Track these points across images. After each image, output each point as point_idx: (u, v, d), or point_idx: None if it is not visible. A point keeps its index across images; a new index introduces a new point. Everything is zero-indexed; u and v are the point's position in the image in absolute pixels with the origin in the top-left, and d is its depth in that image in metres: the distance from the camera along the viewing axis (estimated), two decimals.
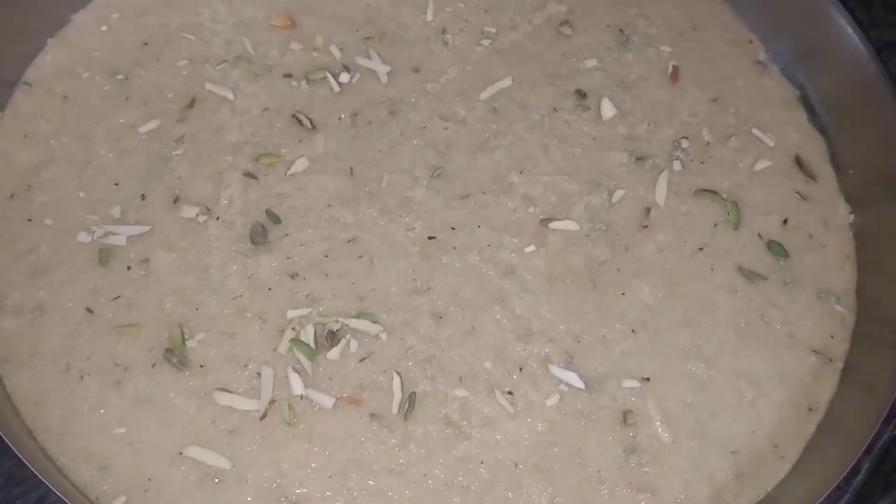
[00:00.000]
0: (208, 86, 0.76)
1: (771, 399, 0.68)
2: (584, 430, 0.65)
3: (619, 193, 0.74)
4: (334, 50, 0.78)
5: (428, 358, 0.66)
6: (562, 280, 0.70)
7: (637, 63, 0.81)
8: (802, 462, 0.66)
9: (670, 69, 0.81)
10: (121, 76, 0.76)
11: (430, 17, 0.81)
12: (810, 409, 0.68)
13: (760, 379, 0.68)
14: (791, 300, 0.71)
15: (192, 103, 0.75)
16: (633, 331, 0.68)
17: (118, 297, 0.67)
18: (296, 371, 0.64)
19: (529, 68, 0.79)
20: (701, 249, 0.72)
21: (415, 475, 0.62)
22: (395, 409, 0.64)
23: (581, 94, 0.78)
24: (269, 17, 0.80)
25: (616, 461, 0.64)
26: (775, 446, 0.66)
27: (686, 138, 0.77)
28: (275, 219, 0.70)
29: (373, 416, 0.64)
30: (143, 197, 0.71)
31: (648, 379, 0.67)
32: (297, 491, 0.61)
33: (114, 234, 0.69)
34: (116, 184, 0.71)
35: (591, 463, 0.64)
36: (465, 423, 0.64)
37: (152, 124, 0.74)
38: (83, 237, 0.68)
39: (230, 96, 0.76)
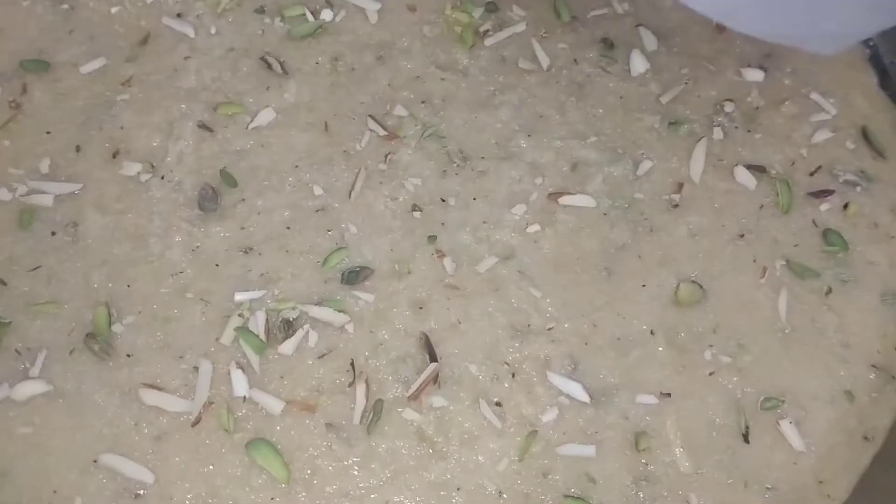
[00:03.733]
0: (165, 20, 0.65)
1: (818, 423, 0.56)
2: (586, 454, 0.53)
3: (646, 165, 0.61)
4: None
5: (402, 356, 0.55)
6: (570, 267, 0.58)
7: (676, 9, 0.68)
8: (853, 502, 0.54)
9: None
10: (66, 6, 0.66)
11: None
12: (865, 438, 0.56)
13: (806, 398, 0.56)
14: (848, 302, 0.59)
15: (145, 40, 0.64)
16: (652, 332, 0.57)
17: (38, 267, 0.56)
18: (240, 367, 0.53)
19: (547, 10, 0.67)
20: (742, 236, 0.60)
21: (376, 501, 0.51)
22: (356, 419, 0.53)
23: (607, 44, 0.66)
24: None
25: (624, 493, 0.53)
26: (820, 482, 0.54)
27: (731, 101, 0.64)
28: (230, 181, 0.59)
29: (329, 426, 0.53)
30: (77, 149, 0.60)
31: (669, 394, 0.55)
32: None
33: (40, 192, 0.58)
34: (48, 132, 0.61)
35: (594, 495, 0.52)
36: (440, 439, 0.53)
37: (97, 63, 0.63)
38: (3, 195, 0.59)
39: (190, 33, 0.64)
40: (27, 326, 0.55)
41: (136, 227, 0.58)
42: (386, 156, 0.61)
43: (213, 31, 0.65)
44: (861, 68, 0.68)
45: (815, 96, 0.66)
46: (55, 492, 0.51)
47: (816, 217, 0.61)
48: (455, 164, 0.61)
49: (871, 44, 0.69)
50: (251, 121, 0.61)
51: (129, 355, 0.54)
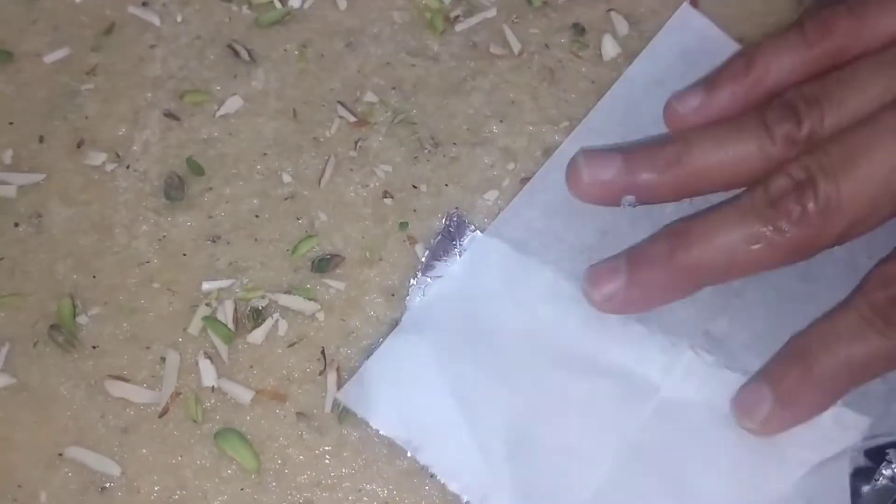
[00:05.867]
0: (131, 9, 0.64)
1: None
2: None
3: None
4: None
5: (374, 344, 0.54)
6: None
7: None
8: None
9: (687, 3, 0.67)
10: None
11: None
12: None
13: None
14: None
15: (110, 29, 0.63)
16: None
17: (1, 259, 0.55)
18: (208, 357, 0.52)
19: None
20: None
21: (348, 490, 0.50)
22: (327, 408, 0.52)
23: (579, 29, 0.65)
24: None
25: None
26: None
27: None
28: (197, 169, 0.58)
29: (300, 415, 0.52)
30: (41, 139, 0.59)
31: None
32: None
33: (3, 183, 0.57)
34: (11, 122, 0.59)
35: None
36: None
37: (60, 53, 0.62)
38: None
39: (156, 21, 0.63)
40: None
41: (101, 218, 0.57)
42: (356, 142, 0.60)
43: (179, 19, 0.64)
44: None
45: None
46: (20, 486, 0.49)
47: None
48: (426, 151, 0.60)
49: None
50: (218, 109, 0.60)
51: (94, 347, 0.53)
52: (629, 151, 0.52)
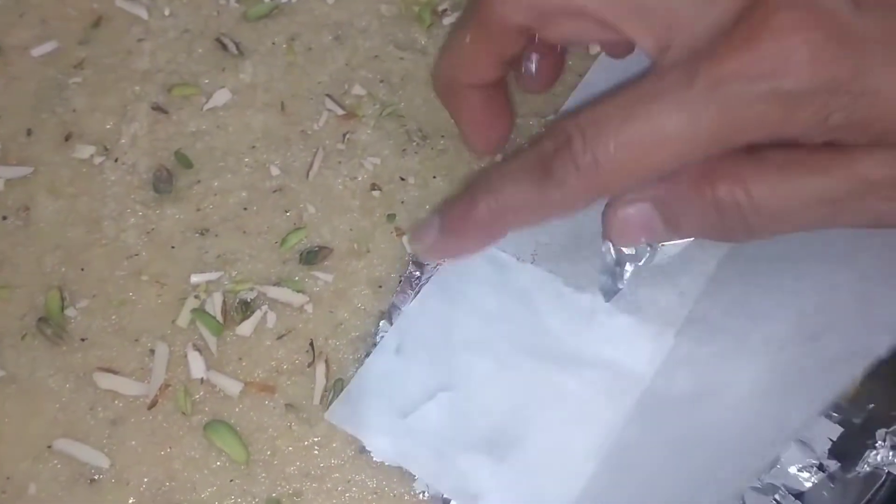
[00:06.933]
0: (119, 2, 0.64)
1: None
2: None
3: None
4: None
5: (362, 336, 0.54)
6: None
7: None
8: None
9: None
10: None
11: None
12: None
13: None
14: None
15: (97, 22, 0.63)
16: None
17: None
18: (197, 349, 0.52)
19: None
20: None
21: (337, 481, 0.50)
22: (316, 400, 0.52)
23: None
24: None
25: None
26: None
27: None
28: (185, 162, 0.58)
29: (289, 406, 0.52)
30: (28, 132, 0.59)
31: None
32: (191, 496, 0.49)
33: None
34: None
35: None
36: None
37: (48, 46, 0.62)
38: None
39: (144, 15, 0.63)
40: None
41: (89, 211, 0.57)
42: (344, 135, 0.60)
43: (167, 12, 0.64)
44: None
45: None
46: (8, 479, 0.49)
47: None
48: (414, 143, 0.60)
49: None
50: (206, 102, 0.60)
51: (83, 339, 0.53)
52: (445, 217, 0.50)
